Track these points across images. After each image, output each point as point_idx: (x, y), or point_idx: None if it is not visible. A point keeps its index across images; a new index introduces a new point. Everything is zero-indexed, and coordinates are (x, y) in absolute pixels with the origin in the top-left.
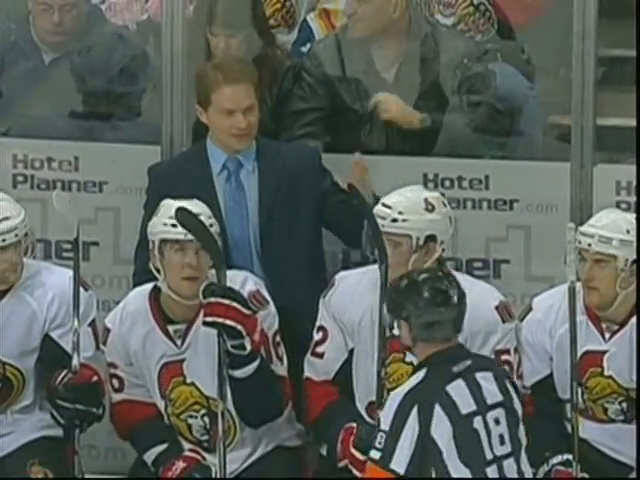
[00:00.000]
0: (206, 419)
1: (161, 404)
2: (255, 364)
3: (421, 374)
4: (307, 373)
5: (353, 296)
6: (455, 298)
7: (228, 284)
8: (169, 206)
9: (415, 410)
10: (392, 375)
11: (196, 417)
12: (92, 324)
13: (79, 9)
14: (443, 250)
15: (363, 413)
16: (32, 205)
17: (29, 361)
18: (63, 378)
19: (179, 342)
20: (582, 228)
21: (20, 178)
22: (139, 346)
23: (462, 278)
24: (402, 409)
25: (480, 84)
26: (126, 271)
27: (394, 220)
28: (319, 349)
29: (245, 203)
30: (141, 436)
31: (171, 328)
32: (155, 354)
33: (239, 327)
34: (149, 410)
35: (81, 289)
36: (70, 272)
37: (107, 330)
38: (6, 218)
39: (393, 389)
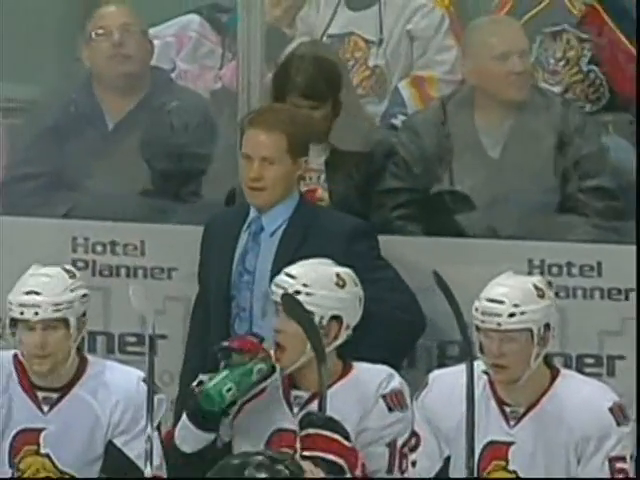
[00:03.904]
0: None
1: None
2: None
3: None
4: None
5: (449, 398)
6: None
7: (370, 375)
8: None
9: None
10: None
11: None
12: (157, 429)
13: (143, 39)
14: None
15: None
16: (93, 294)
17: (91, 471)
18: None
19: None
20: None
21: (80, 264)
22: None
23: (571, 375)
24: None
25: (596, 165)
26: None
27: (511, 315)
28: (411, 457)
29: (254, 268)
30: None
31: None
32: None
33: (341, 462)
34: None
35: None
36: (136, 371)
37: None
38: (35, 292)
39: None
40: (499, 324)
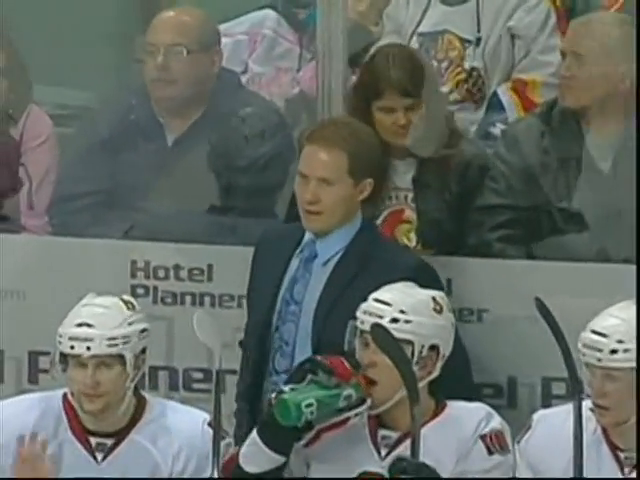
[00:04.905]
0: None
1: None
2: None
3: None
4: None
5: (555, 441)
6: None
7: (467, 414)
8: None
9: None
10: None
11: None
12: None
13: (197, 58)
14: None
15: None
16: (155, 324)
17: None
18: None
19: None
20: None
21: (140, 290)
22: None
23: None
24: None
25: None
26: None
27: (613, 351)
28: None
29: (302, 299)
30: None
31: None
32: None
33: None
34: None
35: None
36: (201, 413)
37: None
38: (88, 324)
39: None
40: (599, 359)
